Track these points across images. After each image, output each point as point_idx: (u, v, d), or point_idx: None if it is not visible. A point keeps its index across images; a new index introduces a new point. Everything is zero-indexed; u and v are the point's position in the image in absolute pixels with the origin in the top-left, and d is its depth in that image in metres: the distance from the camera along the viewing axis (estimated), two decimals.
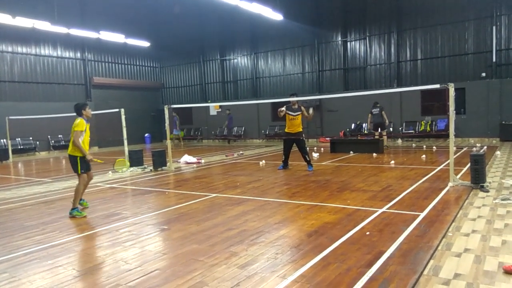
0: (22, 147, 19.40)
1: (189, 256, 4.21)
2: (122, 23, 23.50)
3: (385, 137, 14.66)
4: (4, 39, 19.35)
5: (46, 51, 21.15)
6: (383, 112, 14.25)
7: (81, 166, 6.42)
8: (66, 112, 18.92)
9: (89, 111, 6.59)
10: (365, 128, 18.90)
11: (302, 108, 10.19)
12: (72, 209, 6.32)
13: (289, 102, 10.26)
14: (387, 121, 14.70)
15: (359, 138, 17.12)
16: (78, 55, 22.62)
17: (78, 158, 6.38)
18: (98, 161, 7.07)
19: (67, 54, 22.08)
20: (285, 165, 10.55)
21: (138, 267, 3.97)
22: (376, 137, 14.44)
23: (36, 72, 20.74)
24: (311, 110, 10.25)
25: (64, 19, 19.68)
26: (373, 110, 14.38)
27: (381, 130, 14.45)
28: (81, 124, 6.34)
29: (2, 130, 17.58)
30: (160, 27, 26.09)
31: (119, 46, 23.66)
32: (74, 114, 6.54)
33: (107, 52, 24.02)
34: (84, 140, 6.39)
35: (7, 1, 18.52)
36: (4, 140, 18.04)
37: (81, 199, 6.67)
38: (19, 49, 20.05)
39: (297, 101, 10.22)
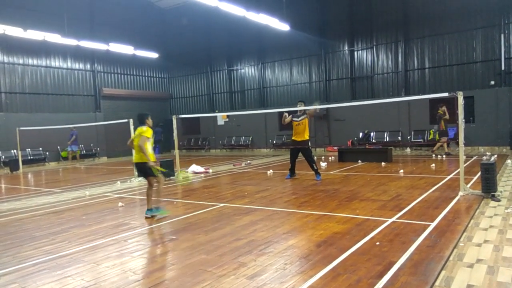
0: (32, 157, 19.58)
1: (197, 266, 4.19)
2: (131, 35, 23.85)
3: (438, 144, 15.10)
4: (15, 51, 19.69)
5: (56, 63, 21.47)
6: (441, 120, 14.70)
7: (154, 168, 6.54)
8: (75, 123, 19.24)
9: (151, 121, 6.92)
10: (373, 137, 18.87)
11: (307, 110, 10.05)
12: (157, 208, 6.66)
13: (296, 111, 10.24)
14: (442, 128, 14.94)
15: (367, 147, 17.03)
16: (88, 66, 22.92)
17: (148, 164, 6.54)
18: (160, 169, 6.73)
19: (77, 65, 22.39)
20: (292, 173, 10.51)
21: (146, 277, 3.97)
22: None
23: (47, 83, 21.02)
24: (317, 105, 10.06)
25: (74, 31, 20.00)
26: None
27: (440, 137, 15.06)
28: (148, 131, 6.62)
29: (13, 141, 17.82)
30: (168, 38, 26.42)
31: (128, 57, 23.96)
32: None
33: (116, 64, 24.32)
34: (147, 147, 6.56)
35: (19, 15, 18.93)
36: (15, 150, 18.27)
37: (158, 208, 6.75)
38: (30, 61, 20.37)
39: (303, 109, 10.14)
